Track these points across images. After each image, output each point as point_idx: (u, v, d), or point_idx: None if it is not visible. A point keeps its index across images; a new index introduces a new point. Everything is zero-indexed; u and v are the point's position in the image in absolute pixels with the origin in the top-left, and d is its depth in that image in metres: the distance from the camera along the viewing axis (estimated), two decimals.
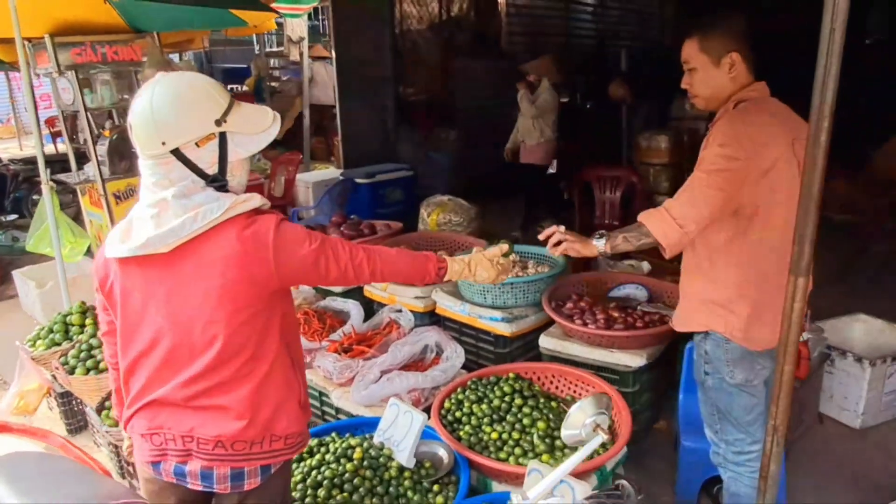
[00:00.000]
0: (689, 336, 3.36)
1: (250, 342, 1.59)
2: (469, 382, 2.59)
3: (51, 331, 3.41)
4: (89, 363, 2.96)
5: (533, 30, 8.81)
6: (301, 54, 7.66)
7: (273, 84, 11.34)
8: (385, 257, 1.73)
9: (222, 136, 1.57)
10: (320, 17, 13.13)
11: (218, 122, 1.55)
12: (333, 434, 2.39)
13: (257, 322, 1.59)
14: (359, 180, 5.79)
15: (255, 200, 1.60)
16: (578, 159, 6.69)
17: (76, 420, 3.37)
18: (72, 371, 2.96)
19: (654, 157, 6.93)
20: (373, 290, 3.76)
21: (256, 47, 15.77)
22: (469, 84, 7.92)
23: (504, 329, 3.19)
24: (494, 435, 2.29)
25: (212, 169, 1.57)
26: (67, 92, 4.88)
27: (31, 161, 8.38)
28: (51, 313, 4.81)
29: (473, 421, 2.38)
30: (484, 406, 2.41)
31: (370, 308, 3.71)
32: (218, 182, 1.57)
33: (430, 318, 3.53)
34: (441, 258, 1.83)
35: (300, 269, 1.60)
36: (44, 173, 3.81)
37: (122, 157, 5.03)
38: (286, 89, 10.12)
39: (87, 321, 3.41)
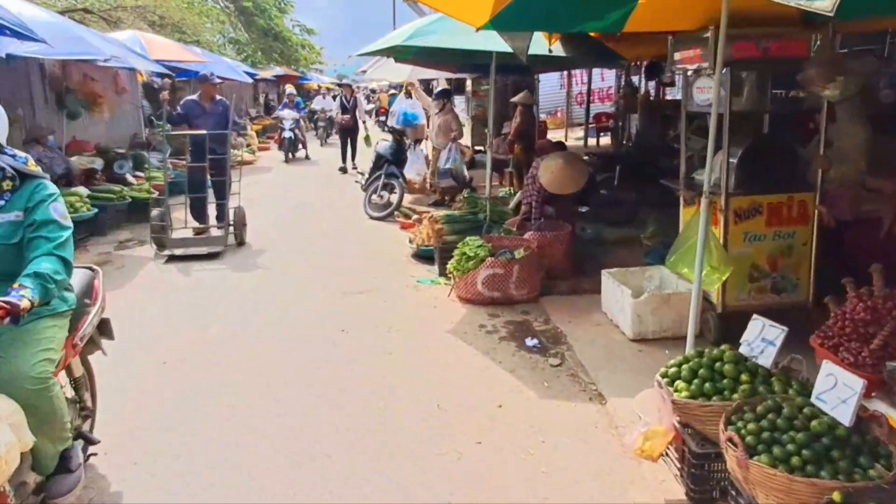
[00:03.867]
0: None
1: None
2: None
3: (694, 372, 2.86)
4: (776, 450, 2.24)
5: None
6: None
7: None
8: None
9: None
10: None
11: None
12: None
13: None
14: None
15: None
16: None
17: (704, 490, 2.77)
18: (752, 451, 2.29)
19: None
20: None
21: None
22: None
23: None
24: None
25: None
26: (704, 91, 4.39)
27: (599, 155, 8.74)
28: (640, 327, 4.52)
29: None
30: None
31: None
32: None
33: None
34: None
35: None
36: (707, 185, 3.29)
37: (753, 171, 4.31)
38: None
39: (743, 377, 2.75)
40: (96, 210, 7.54)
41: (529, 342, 4.64)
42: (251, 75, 18.49)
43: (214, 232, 7.46)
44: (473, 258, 5.37)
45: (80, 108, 10.66)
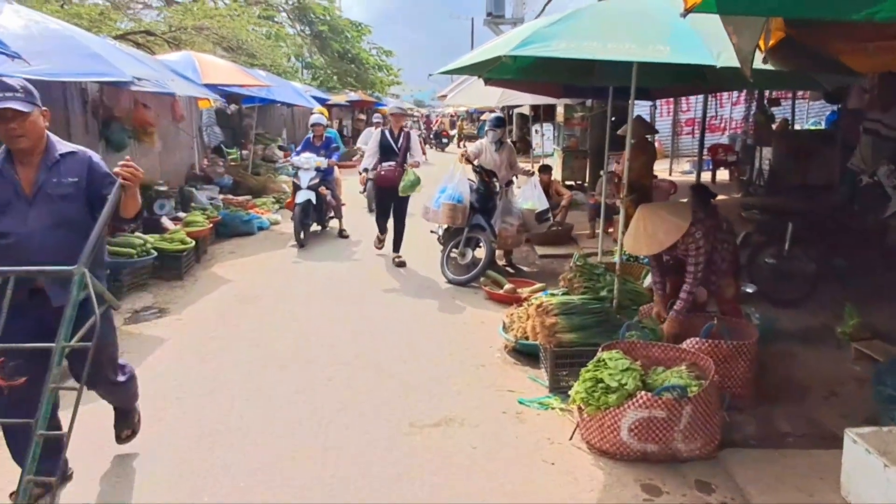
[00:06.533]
0: None
1: None
2: None
3: None
4: None
5: None
6: None
7: None
8: None
9: None
10: None
11: None
12: None
13: None
14: None
15: None
16: None
17: None
18: None
19: None
20: None
21: None
22: None
23: None
24: None
25: None
26: None
27: (763, 208, 6.55)
28: None
29: None
30: None
31: None
32: None
33: None
34: None
35: None
36: None
37: None
38: None
39: None
40: (107, 271, 5.99)
41: None
42: (322, 101, 17.16)
43: None
44: (616, 391, 3.37)
45: (127, 138, 9.40)
